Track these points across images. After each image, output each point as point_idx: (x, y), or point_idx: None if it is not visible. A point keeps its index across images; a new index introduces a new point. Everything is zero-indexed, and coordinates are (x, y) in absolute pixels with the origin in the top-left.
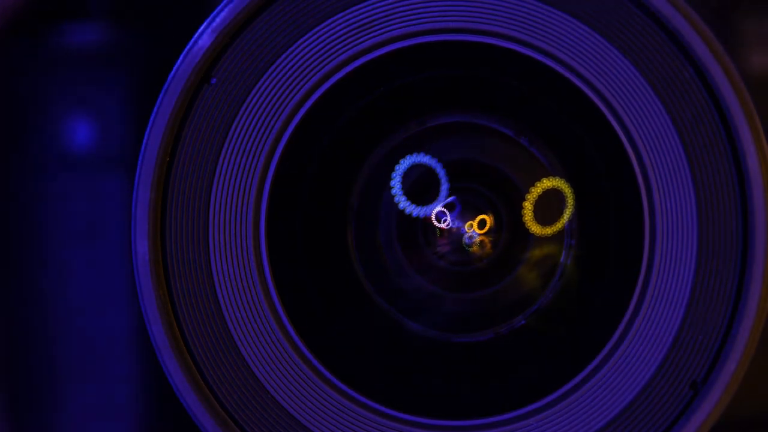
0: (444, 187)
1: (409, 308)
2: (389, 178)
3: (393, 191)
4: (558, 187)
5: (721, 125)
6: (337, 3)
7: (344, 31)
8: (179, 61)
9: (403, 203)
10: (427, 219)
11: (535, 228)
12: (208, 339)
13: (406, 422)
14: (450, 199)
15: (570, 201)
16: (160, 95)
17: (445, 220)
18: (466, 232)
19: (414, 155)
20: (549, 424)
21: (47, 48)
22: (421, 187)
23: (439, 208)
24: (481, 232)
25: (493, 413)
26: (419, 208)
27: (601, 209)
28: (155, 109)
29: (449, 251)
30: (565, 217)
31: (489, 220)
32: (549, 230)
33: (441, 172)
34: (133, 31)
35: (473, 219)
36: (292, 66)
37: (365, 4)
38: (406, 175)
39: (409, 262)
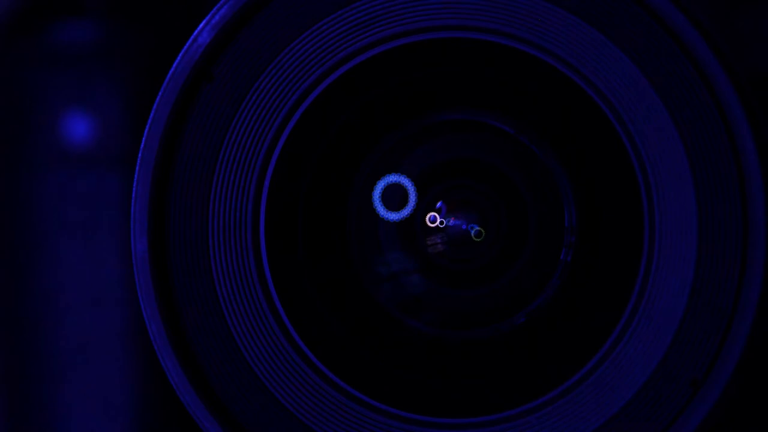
0: (412, 197)
1: (408, 305)
2: (389, 176)
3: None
4: None
5: (721, 124)
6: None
7: (345, 28)
8: (178, 58)
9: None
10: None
11: None
12: (208, 337)
13: (407, 420)
14: (438, 204)
15: None
16: (160, 92)
17: (434, 220)
18: (467, 226)
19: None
20: (549, 422)
21: (46, 45)
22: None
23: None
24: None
25: (493, 410)
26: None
27: (601, 207)
28: (154, 106)
29: (450, 249)
30: None
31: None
32: None
33: (410, 187)
34: (133, 28)
35: (468, 215)
36: (292, 63)
37: (366, 0)
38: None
39: (410, 260)
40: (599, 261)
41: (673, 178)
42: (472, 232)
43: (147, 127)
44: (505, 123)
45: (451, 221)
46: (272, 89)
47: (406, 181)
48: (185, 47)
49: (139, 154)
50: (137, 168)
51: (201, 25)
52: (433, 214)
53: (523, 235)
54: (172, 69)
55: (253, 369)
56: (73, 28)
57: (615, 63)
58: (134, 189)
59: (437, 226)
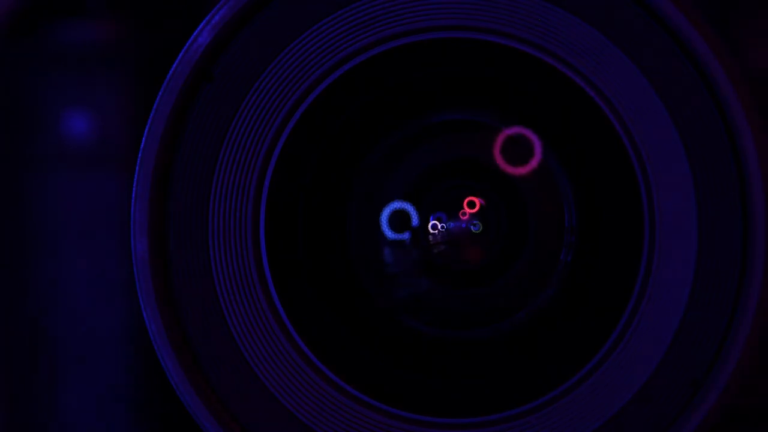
0: (414, 217)
1: (408, 305)
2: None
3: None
4: None
5: (721, 124)
6: None
7: (345, 27)
8: (178, 58)
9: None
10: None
11: None
12: (208, 337)
13: (407, 420)
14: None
15: None
16: (160, 92)
17: (434, 227)
18: (467, 223)
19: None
20: (549, 422)
21: (46, 45)
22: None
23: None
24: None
25: (493, 410)
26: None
27: (601, 207)
28: (154, 106)
29: (450, 248)
30: None
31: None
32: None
33: (412, 211)
34: (133, 28)
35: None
36: (292, 63)
37: (366, 0)
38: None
39: (410, 260)
40: (599, 261)
41: (673, 178)
42: (473, 228)
43: (147, 127)
44: (505, 122)
45: (452, 223)
46: (272, 89)
47: (408, 207)
48: (185, 47)
49: (139, 154)
50: (137, 168)
51: (201, 25)
52: (434, 222)
53: (523, 235)
54: (172, 69)
55: (253, 369)
56: (73, 28)
57: (615, 63)
58: (134, 189)
59: (439, 230)
